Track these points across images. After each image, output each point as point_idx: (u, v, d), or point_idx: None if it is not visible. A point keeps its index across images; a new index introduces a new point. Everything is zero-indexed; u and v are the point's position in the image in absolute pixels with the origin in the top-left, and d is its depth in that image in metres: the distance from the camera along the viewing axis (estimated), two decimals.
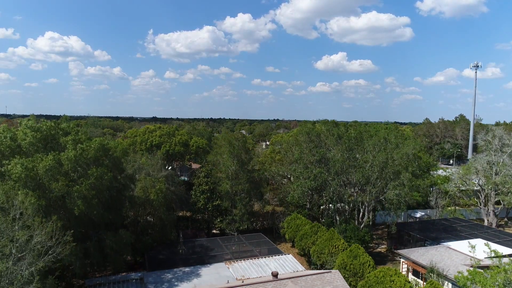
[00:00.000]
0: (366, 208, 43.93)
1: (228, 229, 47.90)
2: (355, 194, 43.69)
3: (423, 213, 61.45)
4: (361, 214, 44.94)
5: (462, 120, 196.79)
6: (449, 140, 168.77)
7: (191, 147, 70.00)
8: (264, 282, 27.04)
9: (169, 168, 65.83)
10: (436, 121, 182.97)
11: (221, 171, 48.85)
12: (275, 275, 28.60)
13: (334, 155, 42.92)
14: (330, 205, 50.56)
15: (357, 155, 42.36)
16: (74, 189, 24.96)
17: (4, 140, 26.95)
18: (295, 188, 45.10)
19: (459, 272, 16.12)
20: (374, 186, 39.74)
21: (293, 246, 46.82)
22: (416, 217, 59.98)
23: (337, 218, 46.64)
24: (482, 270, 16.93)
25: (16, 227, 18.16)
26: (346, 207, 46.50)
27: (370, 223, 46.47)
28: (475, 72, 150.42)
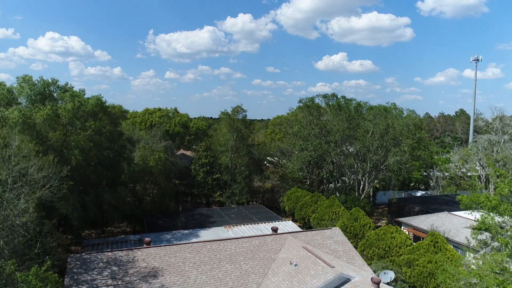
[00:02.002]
0: (367, 180, 43.67)
1: (227, 202, 47.62)
2: (355, 165, 43.42)
3: (423, 193, 61.23)
4: (361, 186, 44.67)
5: (462, 114, 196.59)
6: (449, 134, 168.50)
7: (190, 128, 69.75)
8: (264, 235, 26.79)
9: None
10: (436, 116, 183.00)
11: (221, 145, 48.57)
12: (274, 229, 28.36)
13: (334, 125, 42.61)
14: (331, 184, 50.26)
15: (358, 124, 42.01)
16: (71, 138, 24.63)
17: (1, 91, 26.62)
18: (294, 160, 44.81)
19: (461, 196, 15.84)
20: (375, 154, 39.44)
21: (293, 220, 46.51)
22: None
23: (337, 195, 46.32)
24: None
25: (12, 162, 17.83)
26: (346, 180, 46.21)
27: (371, 194, 46.19)
28: (475, 66, 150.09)
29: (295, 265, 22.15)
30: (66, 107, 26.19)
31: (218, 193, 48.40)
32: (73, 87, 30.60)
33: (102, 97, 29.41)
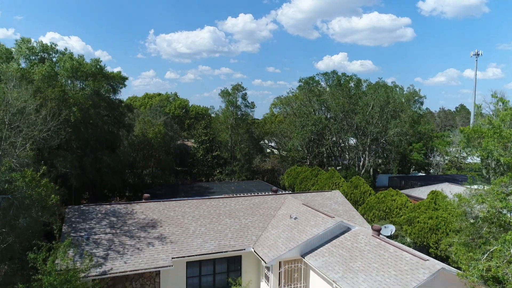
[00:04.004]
0: (367, 156, 43.49)
1: (227, 180, 47.43)
2: (355, 140, 43.22)
3: (423, 175, 61.09)
4: (361, 162, 44.49)
5: (462, 109, 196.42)
6: (449, 128, 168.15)
7: (190, 112, 69.49)
8: (264, 195, 26.63)
9: None
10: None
11: (220, 122, 48.38)
12: (274, 191, 28.19)
13: (334, 100, 42.39)
14: (332, 163, 50.08)
15: (359, 98, 41.78)
16: (70, 94, 24.39)
17: None
18: (294, 136, 44.60)
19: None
20: (375, 126, 39.24)
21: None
22: None
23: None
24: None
25: (10, 102, 17.61)
26: (347, 156, 46.02)
27: (371, 174, 46.00)
28: (476, 60, 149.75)
29: (295, 218, 21.99)
30: (65, 66, 25.97)
31: (218, 171, 48.22)
32: (72, 53, 30.40)
33: (101, 61, 29.24)
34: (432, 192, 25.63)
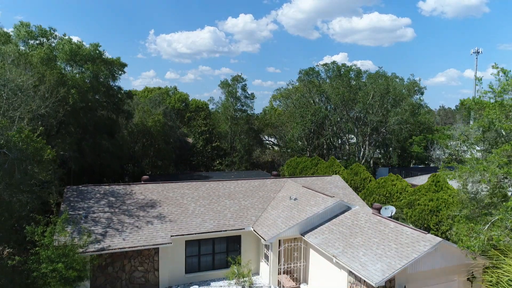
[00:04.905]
0: (367, 146, 43.35)
1: (227, 170, 47.30)
2: (355, 129, 43.09)
3: (424, 167, 60.99)
4: (361, 153, 44.37)
5: (462, 107, 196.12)
6: (449, 126, 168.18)
7: (190, 105, 69.27)
8: (264, 179, 26.50)
9: None
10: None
11: (220, 113, 48.25)
12: (275, 175, 28.07)
13: (334, 89, 42.25)
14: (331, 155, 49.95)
15: (359, 88, 41.65)
16: (68, 76, 24.23)
17: None
18: (294, 126, 44.47)
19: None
20: (375, 115, 39.10)
21: None
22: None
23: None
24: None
25: (7, 76, 17.46)
26: (347, 147, 45.89)
27: (371, 165, 45.87)
28: (476, 58, 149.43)
29: (295, 199, 21.86)
30: (63, 48, 25.80)
31: (217, 162, 48.10)
32: (71, 38, 30.23)
33: (100, 46, 29.06)
34: (433, 175, 25.52)
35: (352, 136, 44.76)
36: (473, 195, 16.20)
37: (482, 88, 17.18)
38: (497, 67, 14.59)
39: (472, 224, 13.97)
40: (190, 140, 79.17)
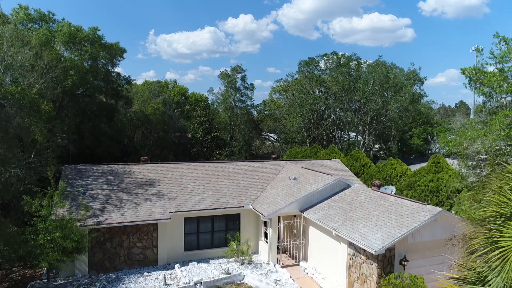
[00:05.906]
0: (367, 135, 43.25)
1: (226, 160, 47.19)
2: (355, 119, 42.97)
3: (424, 158, 60.90)
4: (361, 143, 44.26)
5: (462, 105, 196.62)
6: (449, 119, 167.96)
7: (190, 98, 69.18)
8: (263, 161, 26.38)
9: None
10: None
11: (220, 103, 48.15)
12: (274, 157, 27.95)
13: (333, 78, 42.10)
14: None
15: (359, 77, 41.50)
16: (67, 58, 24.12)
17: None
18: (294, 116, 44.35)
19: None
20: (375, 103, 38.98)
21: None
22: None
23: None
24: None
25: (4, 49, 17.31)
26: (347, 137, 45.79)
27: (371, 156, 45.75)
28: (476, 57, 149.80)
29: (294, 178, 21.76)
30: (62, 30, 25.67)
31: (217, 152, 47.98)
32: (70, 22, 30.11)
33: (99, 29, 28.93)
34: (434, 157, 25.43)
35: (352, 126, 44.65)
36: (472, 169, 16.11)
37: (483, 59, 17.13)
38: (499, 36, 14.45)
39: (473, 192, 13.86)
40: (189, 135, 79.16)
